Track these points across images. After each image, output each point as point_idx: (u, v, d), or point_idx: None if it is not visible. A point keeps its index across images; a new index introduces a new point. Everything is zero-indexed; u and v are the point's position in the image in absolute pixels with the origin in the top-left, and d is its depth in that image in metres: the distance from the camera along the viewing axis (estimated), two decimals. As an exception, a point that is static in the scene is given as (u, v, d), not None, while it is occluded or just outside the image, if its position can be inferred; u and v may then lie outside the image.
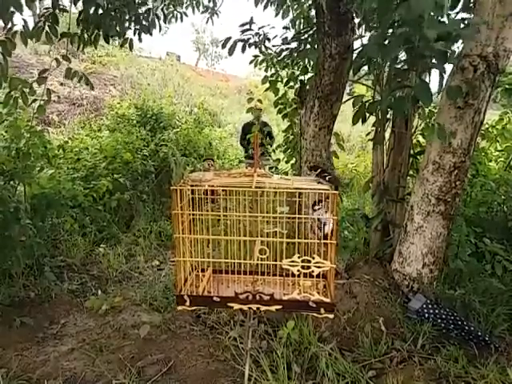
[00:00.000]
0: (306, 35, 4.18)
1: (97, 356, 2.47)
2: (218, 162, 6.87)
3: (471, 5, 2.73)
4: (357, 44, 3.23)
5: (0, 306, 2.91)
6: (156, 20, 4.16)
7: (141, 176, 5.39)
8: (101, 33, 3.66)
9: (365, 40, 3.27)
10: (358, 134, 9.43)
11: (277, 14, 4.51)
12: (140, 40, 4.21)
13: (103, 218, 4.43)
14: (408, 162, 3.19)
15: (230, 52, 3.59)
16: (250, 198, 1.04)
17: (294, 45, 4.26)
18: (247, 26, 3.74)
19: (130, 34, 4.12)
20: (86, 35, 3.67)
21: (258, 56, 4.37)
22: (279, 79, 4.42)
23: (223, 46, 3.61)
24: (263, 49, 3.86)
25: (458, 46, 2.64)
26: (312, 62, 4.11)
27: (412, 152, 3.23)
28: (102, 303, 3.01)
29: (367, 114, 2.83)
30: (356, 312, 2.67)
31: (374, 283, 2.83)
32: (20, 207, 3.10)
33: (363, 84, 3.87)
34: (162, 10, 4.48)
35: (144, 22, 4.07)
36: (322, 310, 0.90)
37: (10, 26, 3.05)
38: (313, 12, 4.21)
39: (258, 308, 0.92)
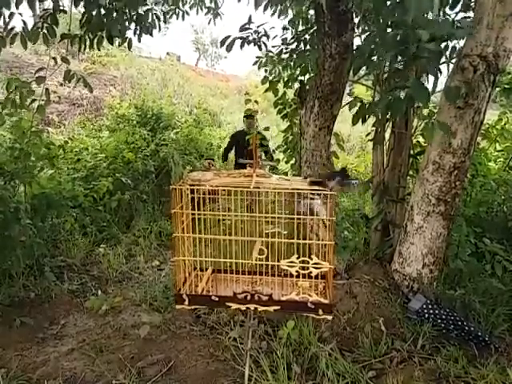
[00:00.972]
0: (306, 35, 4.18)
1: (97, 356, 2.47)
2: (218, 162, 6.87)
3: (472, 4, 2.73)
4: (357, 44, 3.23)
5: (0, 305, 2.91)
6: (156, 20, 4.16)
7: (141, 176, 5.39)
8: (104, 34, 3.66)
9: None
10: (358, 134, 9.43)
11: (273, 14, 4.51)
12: (139, 40, 4.21)
13: (103, 218, 4.43)
14: (408, 162, 3.19)
15: (228, 49, 3.59)
16: (248, 198, 1.04)
17: (293, 45, 4.26)
18: (246, 25, 3.74)
19: (129, 33, 4.12)
20: (88, 37, 3.66)
21: (262, 57, 4.38)
22: (279, 80, 4.42)
23: (222, 44, 3.61)
24: (262, 46, 3.85)
25: (456, 44, 2.65)
26: (312, 63, 4.11)
27: (412, 152, 3.23)
28: (102, 303, 3.01)
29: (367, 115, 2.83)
30: (356, 312, 2.67)
31: (373, 283, 2.82)
32: (20, 207, 3.10)
33: (363, 84, 3.87)
34: (164, 12, 4.48)
35: (144, 23, 4.07)
36: (321, 311, 0.90)
37: (5, 24, 3.06)
38: (312, 12, 4.21)
39: (256, 308, 0.92)
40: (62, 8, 3.43)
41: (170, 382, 2.27)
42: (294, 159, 4.45)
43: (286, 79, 4.42)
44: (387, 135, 3.24)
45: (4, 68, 8.13)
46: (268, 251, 0.95)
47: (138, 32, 4.11)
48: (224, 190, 0.95)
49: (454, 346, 2.42)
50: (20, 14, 3.12)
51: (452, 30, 2.11)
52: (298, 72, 4.31)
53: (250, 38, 3.79)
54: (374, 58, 2.49)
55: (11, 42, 3.23)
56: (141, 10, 4.07)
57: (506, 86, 3.48)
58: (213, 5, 4.98)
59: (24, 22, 3.23)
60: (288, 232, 1.03)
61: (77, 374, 2.33)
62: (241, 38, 3.73)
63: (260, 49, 3.84)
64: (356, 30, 3.23)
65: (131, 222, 4.73)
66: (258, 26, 3.80)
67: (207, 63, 26.57)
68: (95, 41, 3.72)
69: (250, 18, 3.77)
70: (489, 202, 3.91)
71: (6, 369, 2.32)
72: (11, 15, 3.04)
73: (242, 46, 3.75)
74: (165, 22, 4.50)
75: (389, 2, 2.12)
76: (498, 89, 3.50)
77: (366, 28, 3.49)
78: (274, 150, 5.42)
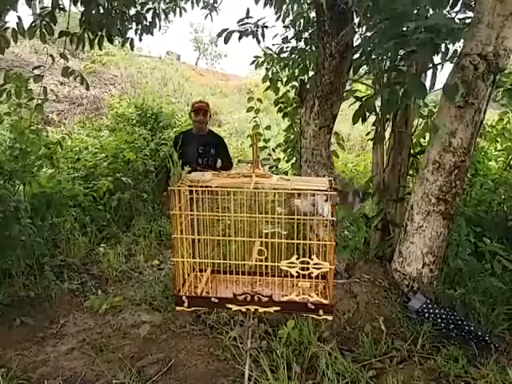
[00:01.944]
0: (306, 34, 4.17)
1: (97, 355, 2.47)
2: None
3: (472, 4, 2.73)
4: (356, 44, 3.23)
5: (0, 305, 2.90)
6: (156, 19, 4.15)
7: (141, 175, 5.39)
8: (104, 34, 3.65)
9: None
10: (358, 133, 9.42)
11: (277, 18, 4.48)
12: (140, 39, 4.20)
13: (103, 218, 4.42)
14: (408, 161, 3.19)
15: (226, 41, 3.56)
16: (248, 198, 1.03)
17: (293, 43, 4.26)
18: (245, 20, 3.71)
19: (130, 33, 4.12)
20: (88, 36, 3.66)
21: (260, 57, 4.36)
22: (279, 78, 4.41)
23: (219, 36, 3.58)
24: (261, 40, 3.82)
25: (457, 48, 2.65)
26: (311, 62, 4.11)
27: (412, 152, 3.23)
28: (102, 303, 3.01)
29: (367, 114, 2.83)
30: (356, 312, 2.67)
31: (373, 283, 2.82)
32: (20, 207, 3.10)
33: (363, 83, 3.86)
34: (164, 10, 4.47)
35: (144, 22, 4.07)
36: (321, 312, 0.90)
37: (1, 23, 3.06)
38: (313, 11, 4.20)
39: (256, 309, 0.92)
40: (61, 6, 3.43)
41: (170, 382, 2.27)
42: (294, 158, 4.45)
43: (285, 78, 4.41)
44: (387, 134, 3.23)
45: (4, 66, 8.13)
46: (268, 251, 0.95)
47: (138, 32, 4.11)
48: (223, 191, 0.95)
49: (454, 345, 2.42)
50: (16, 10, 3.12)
51: (447, 22, 2.10)
52: (297, 71, 4.31)
53: (249, 31, 3.76)
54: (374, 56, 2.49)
55: (5, 38, 3.23)
56: (141, 9, 4.07)
57: (509, 87, 3.45)
58: (211, 0, 4.95)
59: (19, 18, 3.22)
60: (288, 232, 1.03)
61: (77, 374, 2.33)
62: (239, 31, 3.71)
63: (258, 42, 3.80)
64: (356, 30, 3.22)
65: (131, 221, 4.72)
66: (258, 20, 3.78)
67: (207, 62, 26.57)
68: (96, 40, 3.71)
69: (248, 10, 3.75)
70: (489, 201, 3.91)
71: (6, 368, 2.32)
72: (7, 11, 3.04)
73: (239, 38, 3.72)
74: (166, 19, 4.48)
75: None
76: (501, 89, 3.46)
77: (365, 26, 3.49)
78: (273, 149, 5.39)
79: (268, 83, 4.36)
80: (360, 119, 2.84)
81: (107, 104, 8.63)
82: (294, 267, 0.90)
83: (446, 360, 2.30)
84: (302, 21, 4.40)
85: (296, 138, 4.18)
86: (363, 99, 2.82)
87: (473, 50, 2.47)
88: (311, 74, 4.10)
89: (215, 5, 4.95)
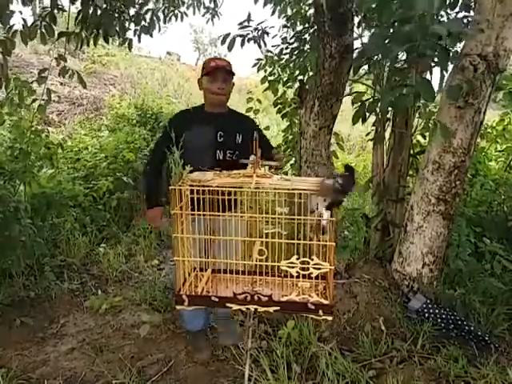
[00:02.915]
0: (306, 35, 4.18)
1: (97, 356, 2.47)
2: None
3: (471, 4, 2.73)
4: (357, 43, 3.23)
5: (0, 305, 2.91)
6: (156, 20, 4.15)
7: (141, 175, 5.39)
8: (100, 32, 3.65)
9: (365, 39, 3.27)
10: (358, 133, 9.42)
11: (273, 13, 4.49)
12: (139, 40, 4.21)
13: (103, 218, 4.43)
14: (408, 161, 3.19)
15: (230, 47, 3.58)
16: (249, 198, 1.04)
17: (294, 44, 4.26)
18: (245, 23, 3.73)
19: (129, 34, 4.12)
20: (85, 35, 3.66)
21: (261, 59, 4.37)
22: (278, 79, 4.42)
23: (222, 42, 3.60)
24: (262, 44, 3.84)
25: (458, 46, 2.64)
26: (311, 62, 4.11)
27: (412, 152, 3.23)
28: (102, 303, 3.01)
29: (367, 114, 2.83)
30: (356, 312, 2.67)
31: (373, 283, 2.82)
32: (20, 207, 3.10)
33: (363, 84, 3.86)
34: (163, 11, 4.47)
35: (143, 23, 4.06)
36: (321, 312, 0.90)
37: (8, 26, 3.06)
38: (311, 11, 4.21)
39: (256, 309, 0.92)
40: (60, 7, 3.43)
41: (170, 382, 2.27)
42: (293, 159, 4.45)
43: (285, 79, 4.42)
44: (387, 135, 3.23)
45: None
46: (268, 252, 0.95)
47: (138, 32, 4.11)
48: (224, 191, 0.95)
49: (453, 345, 2.42)
50: (20, 11, 3.13)
51: (463, 29, 2.10)
52: (297, 72, 4.31)
53: (250, 36, 3.78)
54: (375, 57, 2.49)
55: (11, 40, 3.23)
56: (139, 9, 4.07)
57: (511, 90, 3.44)
58: (212, 5, 4.96)
59: (24, 20, 3.23)
60: (288, 232, 1.04)
61: (77, 374, 2.33)
62: (241, 35, 3.72)
63: (260, 47, 3.83)
64: (356, 30, 3.23)
65: (131, 221, 4.73)
66: (258, 24, 3.80)
67: (207, 63, 26.53)
68: (91, 38, 3.71)
69: (249, 14, 3.76)
70: (489, 201, 3.91)
71: (5, 368, 2.32)
72: (11, 13, 3.04)
73: (242, 44, 3.74)
74: (165, 22, 4.49)
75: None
76: (502, 92, 3.46)
77: (367, 28, 3.49)
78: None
79: (267, 84, 4.37)
80: (360, 120, 2.85)
81: (107, 104, 8.64)
82: (294, 267, 0.90)
83: (445, 360, 2.30)
84: (300, 20, 4.40)
85: (295, 138, 4.18)
86: (366, 102, 2.82)
87: (473, 51, 2.47)
88: (311, 74, 4.10)
89: (216, 9, 4.96)
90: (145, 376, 2.30)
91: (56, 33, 3.42)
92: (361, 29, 3.38)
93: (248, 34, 3.76)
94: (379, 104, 2.66)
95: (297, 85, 3.98)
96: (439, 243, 2.77)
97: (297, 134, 3.85)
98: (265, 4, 4.13)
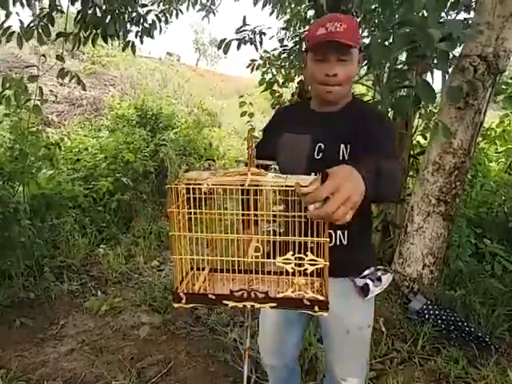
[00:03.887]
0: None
1: (96, 357, 2.47)
2: (218, 163, 6.84)
3: (472, 5, 2.73)
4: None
5: (0, 306, 2.91)
6: (156, 21, 4.15)
7: (141, 176, 5.39)
8: (99, 32, 3.64)
9: (365, 40, 3.27)
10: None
11: (271, 13, 4.50)
12: (142, 42, 4.20)
13: (103, 219, 4.42)
14: (408, 162, 3.19)
15: (225, 50, 3.62)
16: (243, 196, 1.04)
17: (291, 45, 4.27)
18: (242, 28, 3.77)
19: (131, 36, 4.11)
20: (82, 34, 3.65)
21: (256, 60, 4.39)
22: (275, 80, 4.43)
23: (219, 48, 3.64)
24: (258, 46, 3.86)
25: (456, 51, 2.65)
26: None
27: (412, 152, 3.23)
28: (102, 304, 3.01)
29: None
30: (356, 313, 2.66)
31: (374, 284, 2.82)
32: (19, 208, 3.10)
33: (363, 84, 3.86)
34: (164, 12, 4.46)
35: (145, 24, 4.06)
36: (317, 308, 0.91)
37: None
38: (311, 12, 4.21)
39: (252, 306, 0.92)
40: (59, 8, 3.43)
41: (169, 383, 2.27)
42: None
43: (282, 80, 4.43)
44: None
45: (4, 68, 8.13)
46: (264, 249, 0.95)
47: (139, 34, 4.10)
48: (219, 189, 0.95)
49: (454, 346, 2.42)
50: (17, 13, 3.13)
51: (463, 31, 2.10)
52: (293, 72, 4.32)
53: (247, 38, 3.81)
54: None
55: (7, 40, 3.23)
56: (142, 12, 4.06)
57: (511, 94, 3.43)
58: (209, 2, 4.95)
59: (21, 22, 3.23)
60: (284, 230, 1.04)
61: (76, 375, 2.32)
62: (237, 39, 3.76)
63: (256, 49, 3.85)
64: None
65: (131, 222, 4.72)
66: (255, 27, 3.82)
67: (207, 63, 26.62)
68: (90, 38, 3.70)
69: (244, 18, 3.80)
70: (489, 202, 3.91)
71: (5, 369, 2.32)
72: (8, 14, 3.04)
73: (238, 47, 3.78)
74: (166, 22, 4.48)
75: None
76: (502, 96, 3.44)
77: (367, 29, 3.49)
78: None
79: (264, 85, 4.39)
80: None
81: (107, 105, 8.63)
82: (289, 263, 0.91)
83: (446, 361, 2.30)
84: (298, 22, 4.41)
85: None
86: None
87: (472, 52, 2.47)
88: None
89: (212, 7, 4.95)
90: (144, 377, 2.30)
91: (54, 33, 3.42)
92: (361, 29, 3.38)
93: (244, 37, 3.80)
94: (379, 105, 2.65)
95: (295, 85, 3.99)
96: (439, 244, 2.77)
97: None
98: (263, 6, 4.14)
